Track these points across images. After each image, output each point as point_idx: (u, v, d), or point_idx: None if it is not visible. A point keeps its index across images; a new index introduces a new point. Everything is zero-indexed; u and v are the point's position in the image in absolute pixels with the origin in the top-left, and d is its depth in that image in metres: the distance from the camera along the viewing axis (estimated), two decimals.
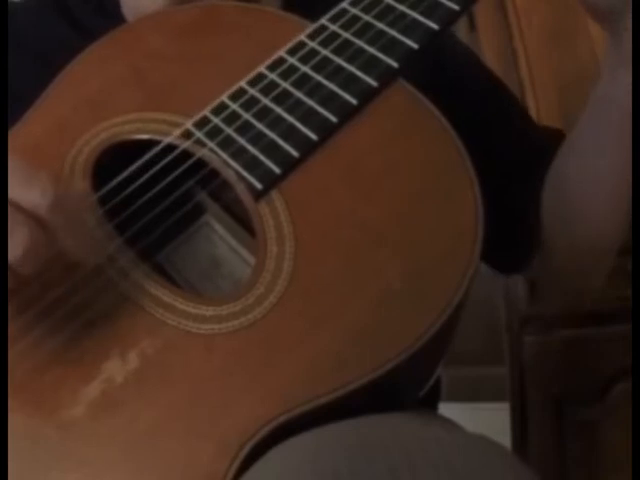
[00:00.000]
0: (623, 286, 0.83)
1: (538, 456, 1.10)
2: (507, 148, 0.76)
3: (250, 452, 0.48)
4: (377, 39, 0.61)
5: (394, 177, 0.57)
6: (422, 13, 0.61)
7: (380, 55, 0.60)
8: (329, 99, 0.59)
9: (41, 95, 0.63)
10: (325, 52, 0.62)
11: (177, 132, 0.60)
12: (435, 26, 0.61)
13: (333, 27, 0.63)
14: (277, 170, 0.57)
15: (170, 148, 0.59)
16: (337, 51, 0.61)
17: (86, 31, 0.71)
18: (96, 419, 0.49)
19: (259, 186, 0.57)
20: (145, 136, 0.61)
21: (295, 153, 0.58)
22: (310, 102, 0.59)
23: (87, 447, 0.49)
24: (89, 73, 0.65)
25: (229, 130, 0.59)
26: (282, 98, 0.60)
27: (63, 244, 0.50)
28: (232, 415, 0.49)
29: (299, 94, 0.60)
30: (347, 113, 0.59)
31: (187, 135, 0.60)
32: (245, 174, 0.57)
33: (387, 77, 0.60)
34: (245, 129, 0.59)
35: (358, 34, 0.62)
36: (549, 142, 0.76)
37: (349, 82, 0.60)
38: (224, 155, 0.58)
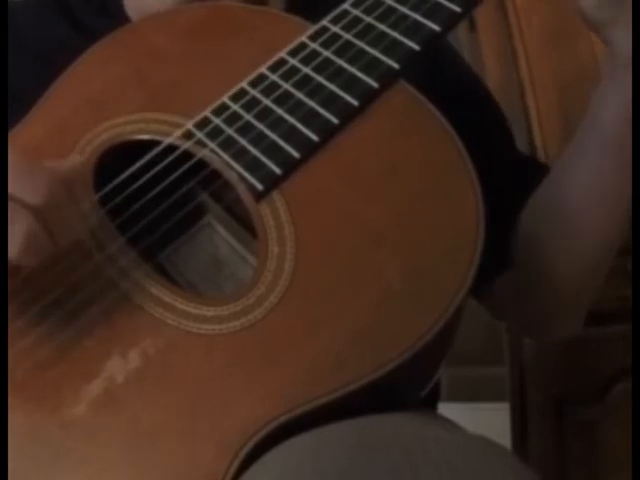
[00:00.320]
0: (623, 286, 0.83)
1: (538, 456, 1.10)
2: (488, 165, 0.75)
3: (250, 452, 0.48)
4: (378, 40, 0.61)
5: (395, 177, 0.57)
6: (424, 15, 0.61)
7: (381, 56, 0.60)
8: (330, 100, 0.59)
9: (42, 95, 0.63)
10: (326, 53, 0.62)
11: (178, 133, 0.60)
12: (437, 28, 0.61)
13: (334, 28, 0.63)
14: (278, 171, 0.57)
15: (171, 149, 0.59)
16: (338, 52, 0.61)
17: (87, 31, 0.71)
18: (97, 418, 0.50)
19: (260, 187, 0.57)
20: (146, 136, 0.61)
21: (296, 154, 0.58)
22: (311, 103, 0.59)
23: (88, 446, 0.49)
24: (91, 73, 0.65)
25: (230, 131, 0.59)
26: (283, 99, 0.60)
27: (61, 235, 0.51)
28: (232, 415, 0.49)
29: (300, 95, 0.60)
30: (348, 114, 0.59)
31: (188, 136, 0.60)
32: (246, 175, 0.57)
33: (388, 78, 0.60)
34: (246, 130, 0.59)
35: (360, 35, 0.62)
36: (532, 169, 0.76)
37: (350, 83, 0.60)
38: (225, 156, 0.58)
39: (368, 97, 0.59)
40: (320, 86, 0.60)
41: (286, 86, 0.61)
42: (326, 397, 0.49)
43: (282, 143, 0.58)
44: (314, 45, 0.62)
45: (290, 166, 0.57)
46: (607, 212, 0.69)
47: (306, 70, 0.61)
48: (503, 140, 0.79)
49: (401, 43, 0.61)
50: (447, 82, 0.73)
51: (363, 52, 0.61)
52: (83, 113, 0.62)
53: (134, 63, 0.65)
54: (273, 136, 0.59)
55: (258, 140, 0.59)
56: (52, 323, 0.52)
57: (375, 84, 0.60)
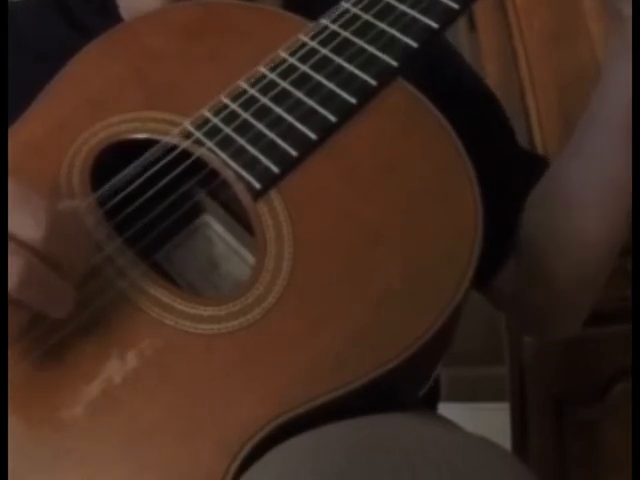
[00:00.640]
0: (623, 286, 0.83)
1: (538, 456, 1.10)
2: (489, 162, 0.76)
3: (250, 452, 0.47)
4: (376, 38, 0.61)
5: (393, 176, 0.57)
6: (422, 12, 0.61)
7: (379, 54, 0.60)
8: (328, 98, 0.59)
9: (39, 94, 0.63)
10: (324, 51, 0.62)
11: (175, 132, 0.60)
12: (435, 25, 0.61)
13: (332, 26, 0.63)
14: (276, 170, 0.57)
15: (169, 148, 0.59)
16: (336, 50, 0.61)
17: (87, 31, 0.71)
18: (96, 419, 0.49)
19: (258, 186, 0.57)
20: (144, 135, 0.60)
21: (294, 153, 0.57)
22: (309, 101, 0.59)
23: (87, 446, 0.49)
24: (88, 73, 0.65)
25: (228, 130, 0.59)
26: (281, 97, 0.60)
27: (62, 268, 0.50)
28: (232, 415, 0.49)
29: (298, 93, 0.60)
30: (346, 112, 0.59)
31: (186, 135, 0.60)
32: (244, 174, 0.57)
33: (386, 76, 0.60)
34: (244, 129, 0.59)
35: (357, 33, 0.62)
36: (532, 164, 0.76)
37: (348, 81, 0.60)
38: (223, 155, 0.58)
39: (366, 95, 0.59)
40: (318, 84, 0.60)
41: (284, 84, 0.61)
42: (325, 397, 0.49)
43: (280, 142, 0.58)
44: (312, 43, 0.62)
45: (288, 165, 0.57)
46: (609, 210, 0.69)
47: (304, 68, 0.61)
48: (504, 135, 0.79)
49: (399, 40, 0.61)
50: (446, 80, 0.73)
51: (361, 50, 0.61)
52: (82, 112, 0.62)
53: (132, 62, 0.65)
54: (271, 135, 0.58)
55: (256, 139, 0.58)
56: (50, 324, 0.52)
57: (373, 82, 0.59)
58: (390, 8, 0.62)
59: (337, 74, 0.60)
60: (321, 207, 0.56)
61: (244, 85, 0.61)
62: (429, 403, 0.78)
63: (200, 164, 0.59)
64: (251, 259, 0.59)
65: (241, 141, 0.59)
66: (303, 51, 0.62)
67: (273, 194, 0.57)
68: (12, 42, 0.72)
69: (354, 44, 0.61)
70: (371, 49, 0.61)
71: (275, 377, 0.50)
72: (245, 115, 0.60)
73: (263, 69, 0.62)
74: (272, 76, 0.61)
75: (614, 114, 0.66)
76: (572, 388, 1.09)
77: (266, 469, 0.46)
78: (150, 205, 0.57)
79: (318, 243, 0.55)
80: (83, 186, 0.58)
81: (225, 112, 0.60)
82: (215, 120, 0.60)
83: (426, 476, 0.42)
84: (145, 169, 0.58)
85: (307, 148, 0.58)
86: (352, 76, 0.60)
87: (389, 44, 0.61)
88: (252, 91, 0.61)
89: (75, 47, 0.66)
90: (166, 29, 0.67)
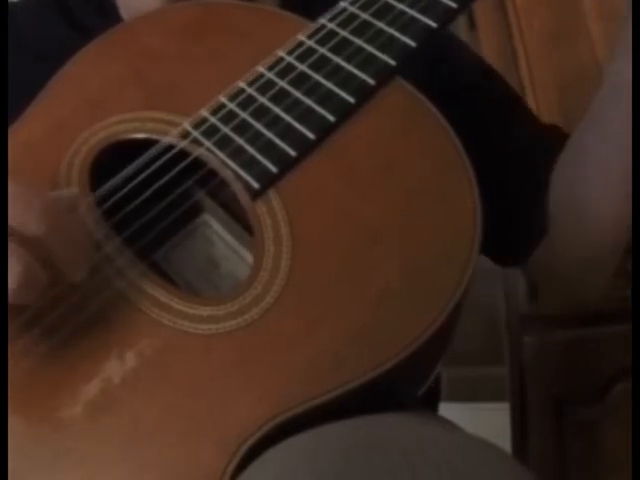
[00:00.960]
0: (623, 286, 0.83)
1: (538, 456, 1.10)
2: (509, 141, 0.76)
3: (248, 451, 0.47)
4: (375, 37, 0.61)
5: (392, 176, 0.57)
6: (420, 11, 0.61)
7: (378, 53, 0.60)
8: (326, 98, 0.59)
9: (38, 94, 0.63)
10: (322, 50, 0.61)
11: (174, 132, 0.60)
12: (433, 24, 0.60)
13: (330, 25, 0.63)
14: (274, 169, 0.57)
15: (167, 148, 0.59)
16: (335, 49, 0.61)
17: (87, 31, 0.71)
18: (95, 418, 0.49)
19: (256, 185, 0.57)
20: (143, 135, 0.60)
21: (292, 152, 0.57)
22: (307, 101, 0.59)
23: (87, 446, 0.49)
24: (87, 73, 0.65)
25: (226, 129, 0.59)
26: (279, 97, 0.60)
27: (61, 269, 0.51)
28: (230, 415, 0.49)
29: (296, 93, 0.60)
30: (345, 112, 0.59)
31: (184, 134, 0.60)
32: (242, 173, 0.57)
33: (385, 75, 0.60)
34: (242, 128, 0.59)
35: (356, 32, 0.62)
36: (550, 137, 0.76)
37: (347, 80, 0.60)
38: (221, 154, 0.58)
39: (365, 94, 0.59)
40: (316, 83, 0.60)
41: (282, 84, 0.61)
42: (324, 397, 0.49)
43: (278, 141, 0.58)
44: (310, 42, 0.62)
45: (286, 164, 0.57)
46: (622, 186, 0.69)
47: (302, 67, 0.61)
48: (521, 117, 0.79)
49: (398, 40, 0.61)
50: (449, 73, 0.73)
51: (360, 49, 0.61)
52: (80, 112, 0.62)
53: (131, 62, 0.65)
54: (269, 134, 0.58)
55: (254, 138, 0.58)
56: (49, 323, 0.52)
57: (371, 81, 0.59)
58: (389, 7, 0.62)
59: (335, 73, 0.60)
60: (320, 207, 0.56)
61: (242, 84, 0.61)
62: (429, 403, 0.78)
63: (199, 164, 0.59)
64: (250, 259, 0.59)
65: (239, 141, 0.59)
66: (301, 50, 0.62)
67: (272, 194, 0.57)
68: (12, 42, 0.72)
69: (352, 43, 0.61)
70: (369, 48, 0.61)
71: (273, 377, 0.50)
72: (243, 115, 0.60)
73: (261, 68, 0.62)
74: (270, 75, 0.61)
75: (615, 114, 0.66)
76: (572, 388, 1.09)
77: (264, 468, 0.46)
78: (149, 205, 0.57)
79: (316, 243, 0.55)
80: (82, 186, 0.58)
81: (223, 111, 0.60)
82: (213, 119, 0.60)
83: (426, 476, 0.42)
84: (143, 169, 0.58)
85: (305, 148, 0.58)
86: (350, 75, 0.60)
87: (387, 43, 0.61)
88: (250, 90, 0.61)
89: (75, 47, 0.66)
90: (165, 29, 0.67)
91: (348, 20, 0.63)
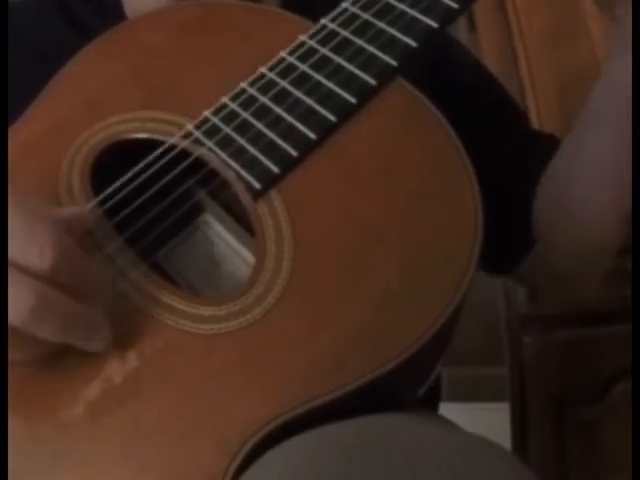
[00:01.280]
0: (623, 286, 0.83)
1: (538, 456, 1.10)
2: (502, 149, 0.76)
3: (249, 452, 0.47)
4: (376, 37, 0.61)
5: (393, 176, 0.57)
6: (421, 11, 0.61)
7: (379, 53, 0.60)
8: (328, 98, 0.59)
9: (39, 94, 0.63)
10: (324, 51, 0.61)
11: (176, 132, 0.60)
12: (434, 24, 0.60)
13: (332, 25, 0.63)
14: (276, 170, 0.57)
15: (169, 148, 0.59)
16: (336, 50, 0.61)
17: (87, 31, 0.71)
18: (96, 419, 0.49)
19: (258, 186, 0.57)
20: (144, 135, 0.60)
21: (294, 152, 0.57)
22: (309, 101, 0.59)
23: (87, 446, 0.49)
24: (87, 73, 0.65)
25: (228, 129, 0.59)
26: (281, 97, 0.60)
27: (78, 294, 0.49)
28: (232, 415, 0.49)
29: (298, 93, 0.60)
30: (346, 112, 0.59)
31: (185, 134, 0.60)
32: (244, 174, 0.57)
33: (386, 75, 0.60)
34: (244, 128, 0.59)
35: (357, 32, 0.62)
36: (545, 145, 0.76)
37: (348, 81, 0.60)
38: (223, 154, 0.58)
39: (366, 94, 0.59)
40: (318, 84, 0.60)
41: (284, 84, 0.61)
42: (325, 397, 0.49)
43: (280, 142, 0.58)
44: (311, 42, 0.62)
45: (288, 165, 0.57)
46: (619, 185, 0.69)
47: (303, 67, 0.61)
48: (513, 122, 0.80)
49: (399, 40, 0.61)
50: (447, 75, 0.73)
51: (361, 49, 0.61)
52: (80, 112, 0.62)
53: (131, 61, 0.65)
54: (271, 135, 0.58)
55: (256, 139, 0.58)
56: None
57: (373, 81, 0.59)
58: (390, 7, 0.62)
59: (337, 74, 0.60)
60: (321, 207, 0.56)
61: (243, 84, 0.61)
62: (430, 403, 0.78)
63: (200, 164, 0.59)
64: (251, 259, 0.59)
65: (241, 141, 0.59)
66: (302, 50, 0.62)
67: (273, 194, 0.57)
68: (12, 41, 0.72)
69: (353, 43, 0.61)
70: (371, 49, 0.61)
71: (275, 377, 0.50)
72: (245, 115, 0.60)
73: (263, 69, 0.62)
74: (271, 75, 0.61)
75: (613, 112, 0.67)
76: (572, 388, 1.09)
77: (266, 468, 0.46)
78: (150, 205, 0.57)
79: (318, 243, 0.55)
80: (83, 186, 0.58)
81: (224, 111, 0.60)
82: (214, 119, 0.60)
83: (426, 476, 0.42)
84: (145, 169, 0.58)
85: (307, 148, 0.58)
86: (352, 76, 0.60)
87: (389, 44, 0.61)
88: (251, 90, 0.61)
89: (75, 47, 0.66)
90: (166, 28, 0.67)
91: (349, 20, 0.63)
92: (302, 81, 0.60)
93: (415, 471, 0.42)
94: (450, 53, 0.78)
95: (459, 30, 1.25)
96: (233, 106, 0.60)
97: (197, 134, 0.59)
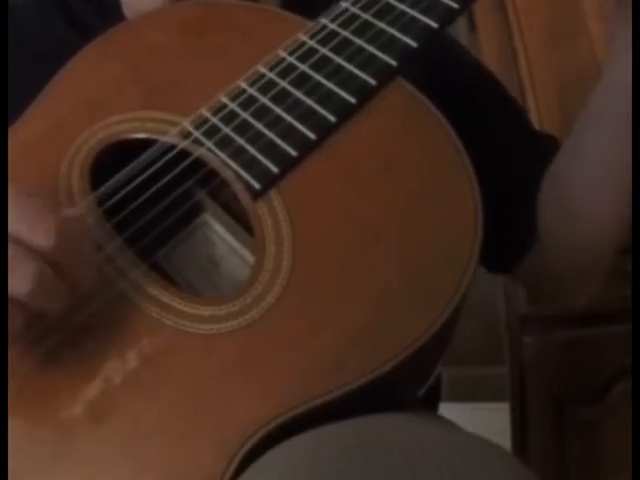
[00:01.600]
0: (623, 286, 0.83)
1: (538, 456, 1.10)
2: (503, 149, 0.76)
3: (249, 452, 0.47)
4: (376, 37, 0.61)
5: (393, 176, 0.57)
6: (421, 11, 0.61)
7: (379, 53, 0.60)
8: (328, 98, 0.59)
9: (39, 94, 0.63)
10: (324, 51, 0.61)
11: (174, 132, 0.60)
12: (434, 24, 0.60)
13: (332, 25, 0.63)
14: (275, 170, 0.57)
15: (168, 148, 0.59)
16: (336, 50, 0.61)
17: (87, 31, 0.71)
18: (96, 419, 0.49)
19: (257, 186, 0.57)
20: (143, 135, 0.60)
21: (293, 152, 0.57)
22: (308, 101, 0.59)
23: (87, 446, 0.49)
24: (87, 72, 0.65)
25: (227, 129, 0.59)
26: (280, 97, 0.60)
27: (69, 277, 0.50)
28: (231, 415, 0.49)
29: (297, 93, 0.60)
30: (346, 112, 0.59)
31: (185, 134, 0.60)
32: (243, 174, 0.57)
33: (386, 75, 0.60)
34: (243, 128, 0.59)
35: (357, 32, 0.62)
36: (546, 145, 0.76)
37: (348, 81, 0.60)
38: (222, 155, 0.58)
39: (365, 94, 0.59)
40: (317, 84, 0.60)
41: (283, 84, 0.61)
42: (325, 397, 0.49)
43: (279, 141, 0.58)
44: (311, 42, 0.62)
45: (287, 165, 0.57)
46: (619, 185, 0.69)
47: (303, 68, 0.61)
48: (514, 122, 0.80)
49: (398, 40, 0.61)
50: (448, 75, 0.73)
51: (361, 49, 0.61)
52: (79, 112, 0.62)
53: (130, 61, 0.65)
54: (270, 134, 0.58)
55: (255, 139, 0.58)
56: (50, 324, 0.52)
57: (372, 81, 0.59)
58: (390, 7, 0.62)
59: (336, 73, 0.60)
60: (320, 207, 0.56)
61: (243, 84, 0.61)
62: (430, 403, 0.78)
63: (200, 164, 0.59)
64: (251, 259, 0.59)
65: (240, 141, 0.59)
66: (302, 50, 0.62)
67: (272, 194, 0.57)
68: (12, 39, 0.72)
69: (353, 43, 0.61)
70: (370, 48, 0.61)
71: (275, 377, 0.50)
72: (244, 115, 0.60)
73: (262, 68, 0.62)
74: (271, 75, 0.61)
75: (614, 111, 0.67)
76: (572, 388, 1.09)
77: (266, 468, 0.46)
78: (150, 205, 0.57)
79: (317, 243, 0.55)
80: (83, 186, 0.58)
81: (224, 111, 0.60)
82: (214, 120, 0.60)
83: (426, 476, 0.42)
84: (144, 169, 0.58)
85: (306, 148, 0.58)
86: (351, 76, 0.60)
87: (388, 43, 0.61)
88: (251, 90, 0.61)
89: (75, 47, 0.66)
90: (166, 28, 0.67)
91: (349, 20, 0.63)
92: (302, 81, 0.60)
93: (415, 471, 0.42)
94: (450, 53, 0.78)
95: (459, 30, 1.25)
96: (233, 106, 0.60)
97: (197, 134, 0.59)
